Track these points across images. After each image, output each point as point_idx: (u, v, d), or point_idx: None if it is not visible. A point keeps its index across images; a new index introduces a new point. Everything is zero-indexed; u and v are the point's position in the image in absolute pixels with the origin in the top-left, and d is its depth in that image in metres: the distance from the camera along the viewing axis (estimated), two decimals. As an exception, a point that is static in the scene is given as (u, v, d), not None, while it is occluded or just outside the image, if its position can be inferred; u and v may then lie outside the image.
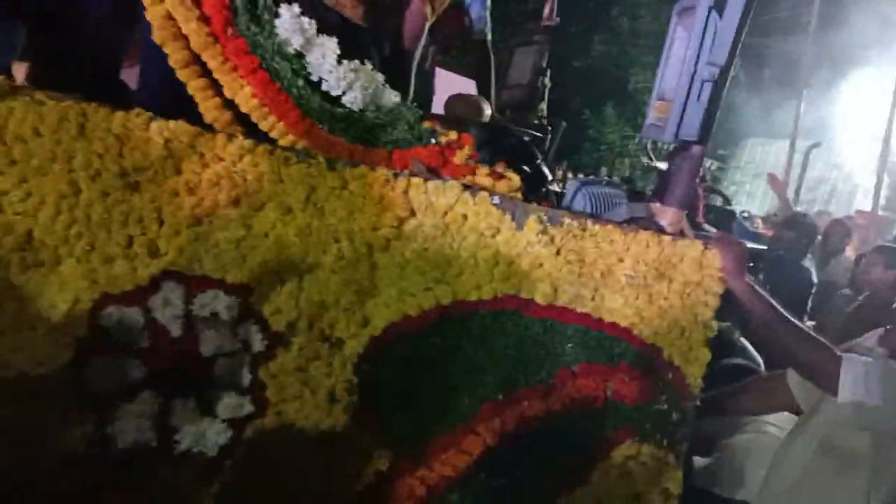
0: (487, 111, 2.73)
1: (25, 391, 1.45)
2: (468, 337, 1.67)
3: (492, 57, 3.12)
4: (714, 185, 8.42)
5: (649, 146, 6.22)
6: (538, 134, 2.95)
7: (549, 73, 3.49)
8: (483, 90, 3.17)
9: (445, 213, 1.64)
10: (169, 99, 1.68)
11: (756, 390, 2.20)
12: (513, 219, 1.66)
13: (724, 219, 5.73)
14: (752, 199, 14.04)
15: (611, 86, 14.71)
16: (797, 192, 8.71)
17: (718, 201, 6.58)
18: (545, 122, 3.35)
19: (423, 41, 2.33)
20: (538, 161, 2.25)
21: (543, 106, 3.36)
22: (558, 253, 1.69)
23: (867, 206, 7.64)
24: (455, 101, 2.82)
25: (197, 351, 1.55)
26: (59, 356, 1.46)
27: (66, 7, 1.89)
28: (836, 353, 1.74)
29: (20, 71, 1.80)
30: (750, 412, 2.26)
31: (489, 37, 3.07)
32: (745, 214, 7.91)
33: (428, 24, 2.29)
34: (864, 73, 9.66)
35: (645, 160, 6.41)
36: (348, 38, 1.68)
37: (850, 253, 5.53)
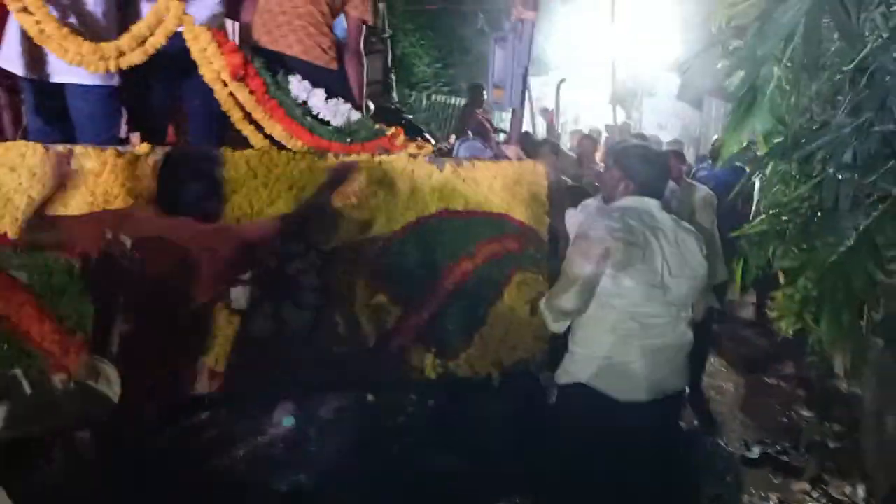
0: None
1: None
2: (430, 235, 3.07)
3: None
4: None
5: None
6: (409, 116, 4.35)
7: (393, 72, 4.85)
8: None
9: (402, 170, 3.01)
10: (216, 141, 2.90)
11: None
12: (438, 167, 3.07)
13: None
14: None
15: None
16: (556, 120, 10.73)
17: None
18: (397, 106, 4.71)
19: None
20: (424, 131, 3.66)
21: (395, 95, 4.71)
22: (464, 181, 3.13)
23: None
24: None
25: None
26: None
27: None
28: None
29: (136, 138, 2.87)
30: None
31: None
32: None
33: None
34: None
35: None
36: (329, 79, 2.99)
37: (598, 158, 7.35)
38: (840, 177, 2.88)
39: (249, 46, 3.11)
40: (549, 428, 2.78)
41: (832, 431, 4.37)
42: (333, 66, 3.28)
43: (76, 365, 1.67)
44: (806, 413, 4.68)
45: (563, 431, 2.57)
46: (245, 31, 3.25)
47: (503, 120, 7.30)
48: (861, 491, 3.70)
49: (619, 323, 2.40)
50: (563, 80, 9.77)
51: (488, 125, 7.29)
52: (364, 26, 3.40)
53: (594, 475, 2.44)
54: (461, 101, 14.19)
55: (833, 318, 3.14)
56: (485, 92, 6.13)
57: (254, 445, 3.55)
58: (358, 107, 3.24)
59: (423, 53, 13.38)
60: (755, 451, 4.09)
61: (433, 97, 13.67)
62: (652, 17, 10.30)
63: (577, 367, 2.48)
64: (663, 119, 11.82)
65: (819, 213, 2.97)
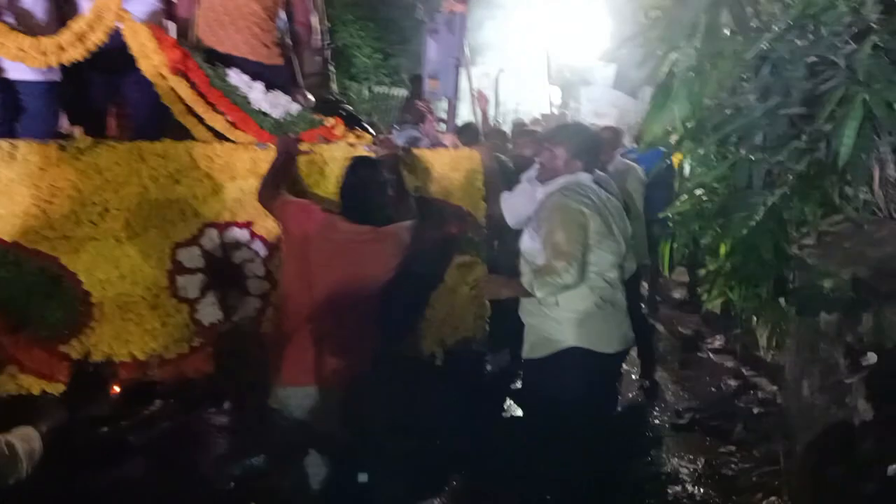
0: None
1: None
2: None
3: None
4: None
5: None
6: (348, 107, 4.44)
7: (333, 64, 4.91)
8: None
9: (341, 159, 3.11)
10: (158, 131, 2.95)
11: None
12: (376, 155, 3.19)
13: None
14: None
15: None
16: (496, 109, 10.92)
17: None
18: (337, 98, 4.79)
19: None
20: (362, 122, 3.77)
21: (334, 86, 4.79)
22: (402, 168, 3.26)
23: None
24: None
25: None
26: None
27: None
28: None
29: (79, 131, 2.90)
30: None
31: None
32: None
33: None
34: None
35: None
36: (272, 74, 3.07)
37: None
38: (752, 157, 3.12)
39: (192, 46, 3.14)
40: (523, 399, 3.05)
41: (757, 398, 4.66)
42: (279, 61, 3.36)
43: None
44: (733, 382, 4.97)
45: (552, 397, 2.78)
46: (183, 29, 3.28)
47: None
48: (781, 450, 3.99)
49: (596, 284, 2.73)
50: (501, 71, 9.97)
51: (431, 115, 7.42)
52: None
53: (580, 437, 2.76)
54: (403, 92, 14.29)
55: (748, 290, 3.39)
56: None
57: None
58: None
59: (363, 44, 13.38)
60: (685, 418, 4.35)
61: (374, 88, 13.70)
62: (585, 7, 10.59)
63: (566, 334, 2.74)
64: (600, 108, 12.09)
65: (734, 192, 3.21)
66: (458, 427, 3.53)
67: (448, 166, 3.38)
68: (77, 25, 2.61)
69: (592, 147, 2.87)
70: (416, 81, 8.98)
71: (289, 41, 3.62)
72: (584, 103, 12.23)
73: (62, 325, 2.69)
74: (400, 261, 2.73)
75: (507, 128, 7.34)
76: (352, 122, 3.46)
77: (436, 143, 3.57)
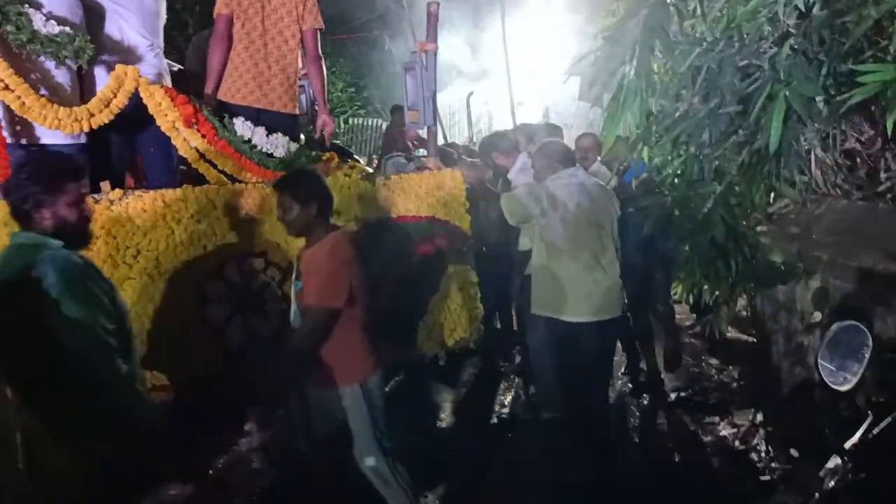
0: None
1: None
2: (372, 240, 3.57)
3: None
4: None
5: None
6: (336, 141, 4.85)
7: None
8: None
9: (341, 187, 3.49)
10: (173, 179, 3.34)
11: None
12: (370, 182, 3.58)
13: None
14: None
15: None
16: (469, 128, 11.34)
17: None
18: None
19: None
20: (352, 154, 4.17)
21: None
22: (393, 192, 3.65)
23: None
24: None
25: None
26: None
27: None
28: None
29: (106, 185, 3.26)
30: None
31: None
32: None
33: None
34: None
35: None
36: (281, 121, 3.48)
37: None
38: (700, 153, 3.55)
39: (216, 105, 3.54)
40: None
41: (731, 375, 5.07)
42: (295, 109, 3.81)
43: None
44: (714, 361, 5.37)
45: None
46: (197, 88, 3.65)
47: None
48: (759, 416, 4.37)
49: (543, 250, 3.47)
50: (471, 93, 10.42)
51: (413, 142, 7.89)
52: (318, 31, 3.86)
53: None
54: (378, 122, 14.77)
55: (713, 277, 3.80)
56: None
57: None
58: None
59: (336, 80, 13.87)
60: (672, 397, 4.74)
61: (350, 120, 14.17)
62: (544, 27, 11.08)
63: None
64: (568, 119, 12.62)
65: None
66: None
67: (434, 186, 3.77)
68: (102, 93, 2.99)
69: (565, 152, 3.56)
70: (396, 112, 9.49)
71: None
72: (551, 117, 12.75)
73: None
74: None
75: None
76: (344, 154, 3.86)
77: (421, 167, 3.96)
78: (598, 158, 5.00)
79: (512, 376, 4.84)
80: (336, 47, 13.57)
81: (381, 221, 3.61)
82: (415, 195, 3.73)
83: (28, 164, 2.09)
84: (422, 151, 7.00)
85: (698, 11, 3.15)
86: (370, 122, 14.91)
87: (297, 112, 3.94)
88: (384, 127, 13.82)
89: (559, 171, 3.46)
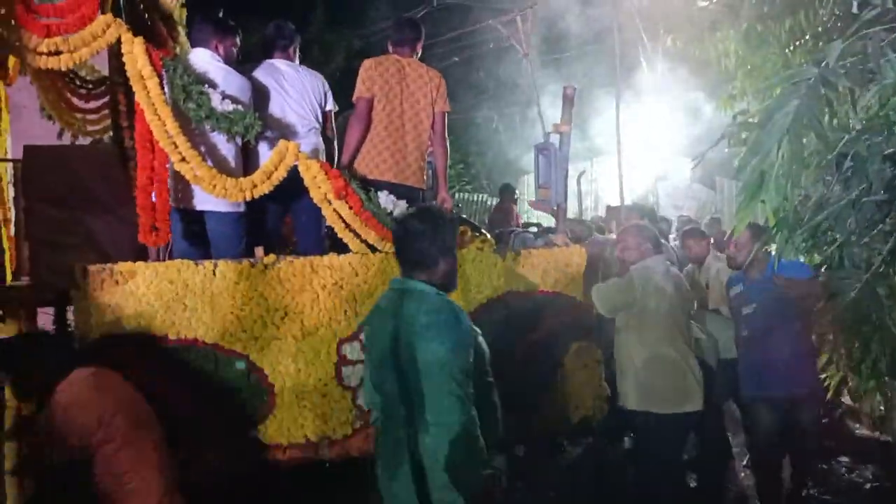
0: None
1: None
2: (499, 313, 3.63)
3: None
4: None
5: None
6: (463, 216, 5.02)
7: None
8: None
9: (472, 260, 3.59)
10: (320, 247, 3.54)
11: None
12: (501, 256, 3.67)
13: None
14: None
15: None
16: (580, 207, 11.41)
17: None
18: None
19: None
20: (480, 228, 4.32)
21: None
22: (523, 266, 3.72)
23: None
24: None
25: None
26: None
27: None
28: None
29: (260, 251, 3.50)
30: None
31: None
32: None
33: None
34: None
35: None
36: (411, 195, 3.66)
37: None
38: (845, 241, 3.46)
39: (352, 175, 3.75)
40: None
41: (864, 476, 4.78)
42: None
43: None
44: (845, 459, 5.07)
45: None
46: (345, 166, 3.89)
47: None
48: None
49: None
50: (582, 172, 10.53)
51: (517, 218, 8.04)
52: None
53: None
54: (483, 197, 15.10)
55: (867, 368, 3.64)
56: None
57: None
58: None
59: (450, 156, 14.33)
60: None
61: (457, 195, 14.54)
62: (656, 110, 11.16)
63: None
64: (679, 201, 12.53)
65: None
66: None
67: (562, 262, 3.83)
68: (265, 166, 3.25)
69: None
70: (505, 191, 9.75)
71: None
72: (662, 197, 12.68)
73: (252, 413, 3.20)
74: None
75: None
76: (474, 229, 3.99)
77: (548, 243, 4.03)
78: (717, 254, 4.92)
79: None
80: (449, 126, 14.06)
81: (510, 295, 3.68)
82: (542, 270, 3.79)
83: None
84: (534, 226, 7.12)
85: (849, 99, 3.13)
86: (476, 198, 15.26)
87: (425, 187, 4.14)
88: (489, 202, 14.19)
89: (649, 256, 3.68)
